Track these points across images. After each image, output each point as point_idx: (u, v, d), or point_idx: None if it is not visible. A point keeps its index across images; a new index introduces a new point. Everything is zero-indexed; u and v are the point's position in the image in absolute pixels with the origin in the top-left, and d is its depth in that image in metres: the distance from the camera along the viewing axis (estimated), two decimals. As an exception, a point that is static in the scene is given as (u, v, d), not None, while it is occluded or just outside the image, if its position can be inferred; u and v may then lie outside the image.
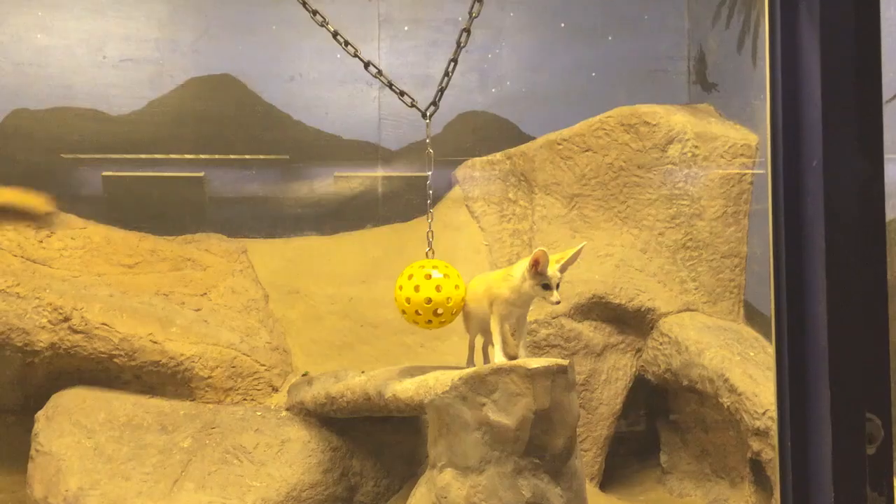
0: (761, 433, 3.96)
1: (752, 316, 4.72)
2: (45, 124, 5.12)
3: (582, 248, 3.18)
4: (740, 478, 4.34)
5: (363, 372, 3.91)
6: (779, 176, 1.96)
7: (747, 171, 4.77)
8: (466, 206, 5.16)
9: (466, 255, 4.92)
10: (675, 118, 4.76)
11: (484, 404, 3.12)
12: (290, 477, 3.92)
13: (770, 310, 2.07)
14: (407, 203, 5.30)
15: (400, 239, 5.11)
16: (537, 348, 4.49)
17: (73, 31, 5.18)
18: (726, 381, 4.15)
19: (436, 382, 3.27)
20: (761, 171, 4.73)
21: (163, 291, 4.59)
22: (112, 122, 5.18)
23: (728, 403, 4.14)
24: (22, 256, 4.50)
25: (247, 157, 5.28)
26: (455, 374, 3.22)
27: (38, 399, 4.23)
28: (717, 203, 4.74)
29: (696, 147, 4.73)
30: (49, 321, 4.13)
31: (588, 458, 4.49)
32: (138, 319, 4.27)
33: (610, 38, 5.46)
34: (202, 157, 5.24)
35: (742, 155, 4.77)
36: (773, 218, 1.98)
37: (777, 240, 1.98)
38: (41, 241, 4.60)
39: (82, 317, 4.16)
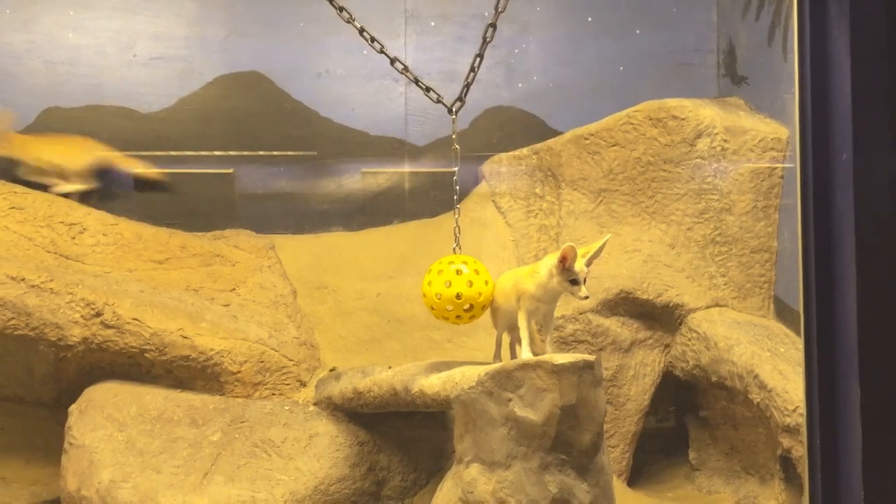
0: (792, 430, 3.93)
1: (783, 312, 4.67)
2: (76, 122, 5.18)
3: (607, 241, 3.17)
4: (770, 475, 4.30)
5: (390, 367, 3.93)
6: (808, 170, 1.94)
7: (778, 165, 4.71)
8: (493, 201, 5.15)
9: (493, 250, 4.92)
10: (704, 112, 4.71)
11: (510, 400, 3.13)
12: (317, 471, 3.95)
13: (800, 305, 2.05)
14: (434, 199, 5.31)
15: (426, 235, 5.12)
16: (564, 344, 4.48)
17: (104, 30, 5.24)
18: (756, 377, 4.12)
19: (462, 378, 3.28)
20: (792, 165, 4.66)
21: (192, 287, 4.64)
22: (142, 120, 5.24)
23: (758, 400, 4.10)
24: (55, 252, 4.58)
25: (275, 153, 5.31)
26: (481, 370, 3.23)
27: (72, 393, 4.30)
28: (747, 197, 4.69)
29: (726, 141, 4.68)
30: (82, 316, 4.20)
31: (615, 455, 4.48)
32: (169, 314, 4.32)
33: (638, 31, 5.41)
34: (231, 153, 5.28)
35: (772, 149, 4.72)
36: (803, 213, 1.96)
37: (806, 235, 1.96)
38: (74, 238, 4.68)
39: (114, 312, 4.23)
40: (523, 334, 3.23)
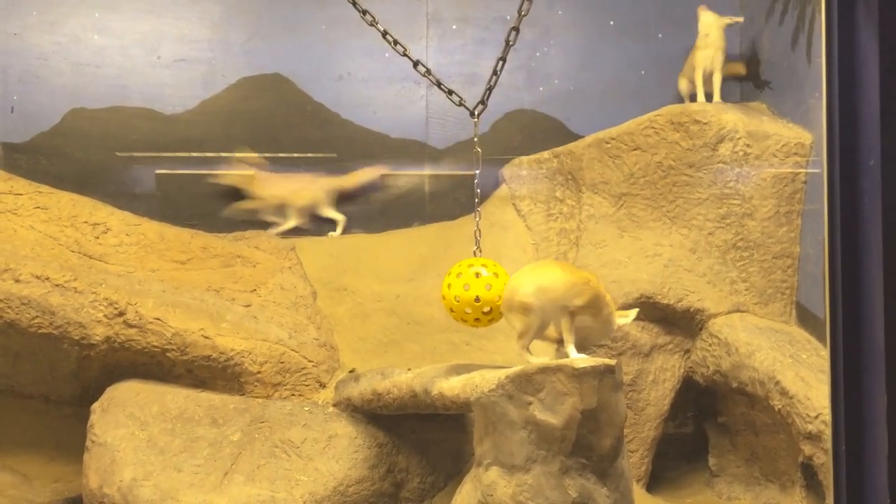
0: (813, 437, 3.90)
1: (805, 318, 4.63)
2: (101, 123, 5.23)
3: None
4: (791, 482, 4.27)
5: (409, 369, 3.94)
6: (835, 176, 1.93)
7: (801, 171, 4.68)
8: (513, 204, 5.15)
9: (513, 253, 4.92)
10: (727, 116, 4.69)
11: (530, 403, 3.12)
12: (336, 472, 3.96)
13: (824, 311, 2.04)
14: (454, 201, 5.31)
15: (447, 237, 5.12)
16: (583, 348, 4.46)
17: (129, 32, 5.29)
18: (777, 383, 4.09)
19: (482, 380, 3.28)
20: (815, 171, 4.63)
21: (214, 287, 4.67)
22: (166, 121, 5.29)
23: (779, 406, 4.07)
24: (79, 252, 4.62)
25: (295, 155, 5.34)
26: (501, 373, 3.23)
27: (94, 391, 4.34)
28: (770, 203, 4.66)
29: (748, 146, 4.65)
30: (105, 315, 4.24)
31: (635, 460, 4.46)
32: (190, 315, 4.35)
33: (660, 35, 5.39)
34: (252, 155, 5.31)
35: (796, 154, 4.68)
36: (829, 219, 1.94)
37: (833, 240, 1.95)
38: (97, 238, 4.72)
39: (136, 311, 4.26)
40: (567, 336, 3.22)
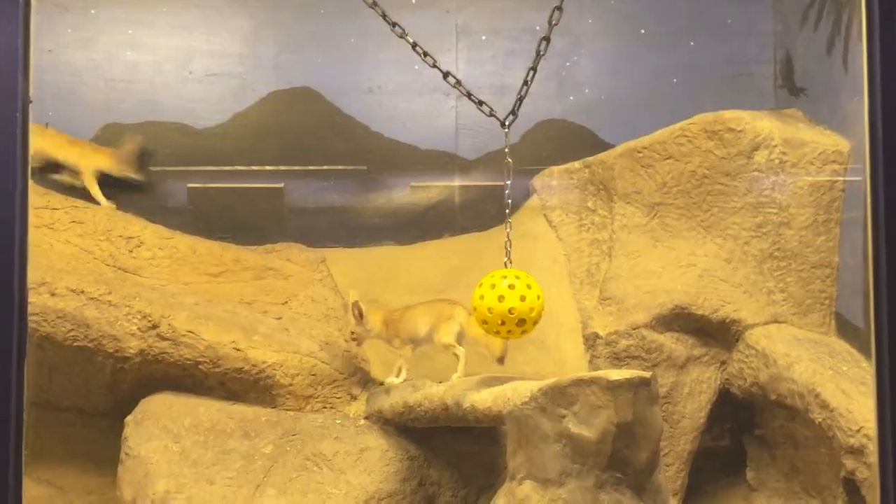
0: (856, 451, 3.80)
1: (845, 328, 4.53)
2: (135, 138, 5.29)
3: None
4: (832, 497, 4.17)
5: (441, 382, 3.92)
6: (878, 184, 1.88)
7: (839, 179, 4.59)
8: (544, 215, 5.12)
9: (544, 264, 4.88)
10: (762, 124, 4.62)
11: (564, 416, 3.08)
12: (368, 485, 3.95)
13: (864, 322, 1.98)
14: (484, 212, 5.29)
15: (477, 248, 5.10)
16: (617, 360, 4.42)
17: (162, 48, 5.35)
18: (817, 396, 4.00)
19: (514, 393, 3.25)
20: (855, 178, 4.55)
21: (246, 300, 4.69)
22: (197, 136, 5.33)
23: (820, 419, 3.99)
24: (114, 266, 4.66)
25: (325, 167, 5.35)
26: (534, 385, 3.19)
27: (128, 404, 4.36)
28: (807, 211, 4.58)
29: (784, 153, 4.58)
30: (138, 328, 4.27)
31: (670, 473, 4.39)
32: (222, 327, 4.37)
33: (692, 43, 5.34)
34: (282, 168, 5.34)
35: (833, 161, 4.60)
36: (872, 228, 1.89)
37: (876, 249, 1.90)
38: (131, 251, 4.76)
39: (170, 324, 4.28)
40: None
